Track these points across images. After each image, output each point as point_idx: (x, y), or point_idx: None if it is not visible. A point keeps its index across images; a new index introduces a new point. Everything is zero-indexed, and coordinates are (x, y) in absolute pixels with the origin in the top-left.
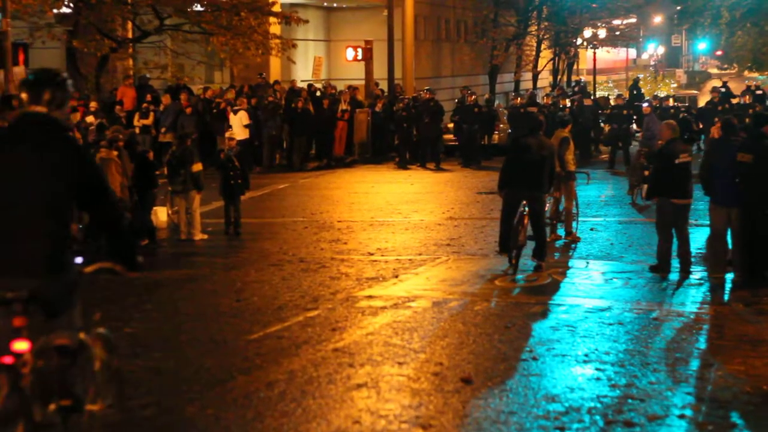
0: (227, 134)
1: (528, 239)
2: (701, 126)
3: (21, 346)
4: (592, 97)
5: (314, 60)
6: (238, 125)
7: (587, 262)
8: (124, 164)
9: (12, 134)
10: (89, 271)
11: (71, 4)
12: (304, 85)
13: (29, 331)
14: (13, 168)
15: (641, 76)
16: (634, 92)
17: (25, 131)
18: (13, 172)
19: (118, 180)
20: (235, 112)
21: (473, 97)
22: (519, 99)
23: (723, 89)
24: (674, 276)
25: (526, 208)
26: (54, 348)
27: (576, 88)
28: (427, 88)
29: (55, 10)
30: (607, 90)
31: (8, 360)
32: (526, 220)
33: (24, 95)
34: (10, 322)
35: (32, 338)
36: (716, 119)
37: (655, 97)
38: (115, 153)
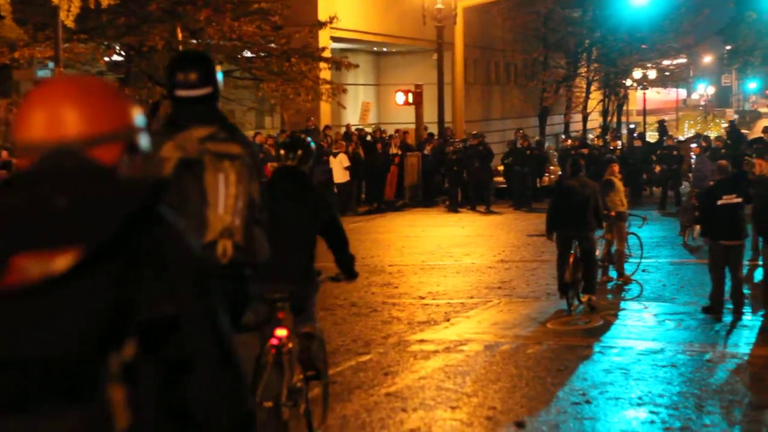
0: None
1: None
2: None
3: (281, 332)
4: (641, 138)
5: (362, 105)
6: (338, 168)
7: (640, 304)
8: None
9: (276, 186)
10: (322, 278)
11: (123, 53)
12: (354, 129)
13: (287, 321)
14: (284, 213)
15: (666, 118)
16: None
17: (284, 184)
18: (285, 216)
19: None
20: (335, 155)
21: (525, 139)
22: (569, 141)
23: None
24: (727, 318)
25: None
26: (301, 334)
27: (626, 131)
28: (474, 132)
29: (106, 59)
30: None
31: (274, 342)
32: (572, 259)
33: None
34: (275, 315)
35: (288, 327)
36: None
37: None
38: None
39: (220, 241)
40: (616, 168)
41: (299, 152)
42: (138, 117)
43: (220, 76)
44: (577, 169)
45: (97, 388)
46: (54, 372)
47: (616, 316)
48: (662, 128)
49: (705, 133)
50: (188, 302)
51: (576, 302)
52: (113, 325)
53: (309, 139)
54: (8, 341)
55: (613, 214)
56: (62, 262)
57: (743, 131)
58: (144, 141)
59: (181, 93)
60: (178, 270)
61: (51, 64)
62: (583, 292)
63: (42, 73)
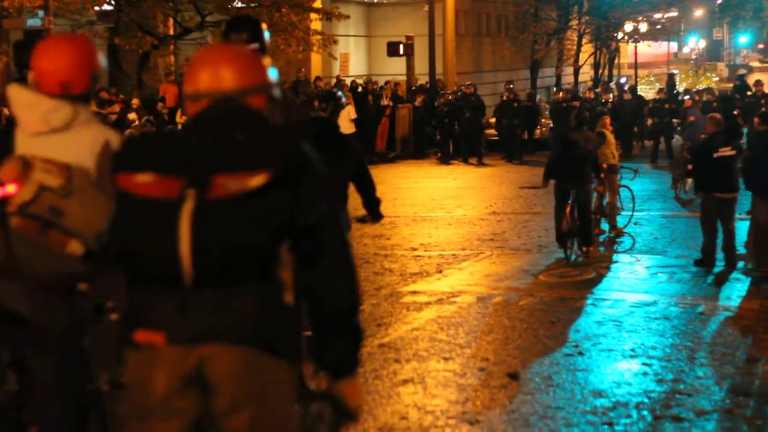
0: None
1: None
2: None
3: None
4: (631, 92)
5: (341, 56)
6: (346, 119)
7: (632, 257)
8: None
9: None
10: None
11: (113, 2)
12: (347, 81)
13: None
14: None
15: (676, 71)
16: (673, 91)
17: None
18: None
19: None
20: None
21: (511, 92)
22: (561, 93)
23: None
24: (720, 270)
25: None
26: None
27: (613, 84)
28: (468, 83)
29: (96, 8)
30: (649, 84)
31: None
32: (568, 209)
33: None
34: None
35: None
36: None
37: (696, 91)
38: None
39: None
40: (608, 120)
41: (332, 104)
42: (273, 74)
43: (267, 35)
44: (581, 122)
45: (274, 271)
46: (250, 257)
47: (608, 268)
48: (671, 82)
49: (698, 87)
50: (324, 211)
51: (576, 251)
52: (285, 226)
53: (340, 93)
54: (223, 234)
55: (604, 166)
56: (256, 180)
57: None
58: (277, 92)
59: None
60: (321, 190)
61: (41, 13)
62: (581, 244)
63: (31, 22)
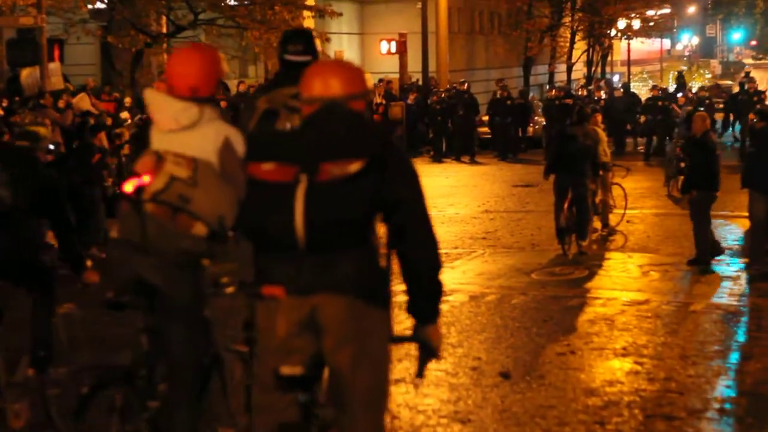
0: None
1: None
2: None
3: None
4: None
5: (335, 54)
6: None
7: (624, 255)
8: None
9: None
10: None
11: (105, 0)
12: None
13: None
14: None
15: (684, 68)
16: (685, 89)
17: None
18: None
19: None
20: None
21: (504, 90)
22: (554, 91)
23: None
24: (713, 268)
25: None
26: None
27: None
28: (461, 80)
29: (89, 6)
30: (642, 81)
31: None
32: (566, 205)
33: None
34: None
35: None
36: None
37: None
38: None
39: None
40: (599, 118)
41: None
42: (371, 84)
43: (318, 48)
44: (582, 118)
45: (369, 238)
46: (349, 228)
47: (600, 266)
48: (681, 80)
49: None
50: (407, 191)
51: (576, 246)
52: (375, 202)
53: None
54: (329, 210)
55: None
56: (354, 167)
57: (728, 82)
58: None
59: (289, 57)
60: (403, 174)
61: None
62: (578, 238)
63: (24, 20)
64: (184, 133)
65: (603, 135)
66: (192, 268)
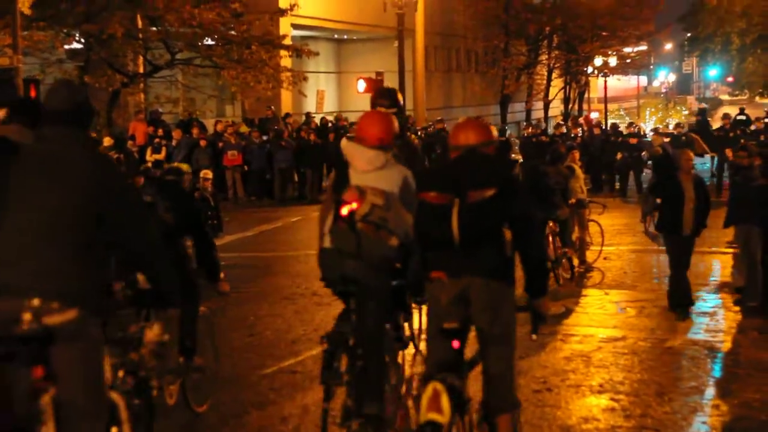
0: (201, 174)
1: None
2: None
3: None
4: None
5: (317, 93)
6: None
7: (601, 291)
8: None
9: None
10: None
11: (82, 40)
12: (317, 118)
13: None
14: None
15: (706, 106)
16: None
17: None
18: None
19: None
20: None
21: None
22: (530, 128)
23: (743, 116)
24: (689, 305)
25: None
26: None
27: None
28: (439, 118)
29: (66, 46)
30: (619, 118)
31: None
32: (550, 238)
33: None
34: None
35: None
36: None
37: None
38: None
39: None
40: (577, 155)
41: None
42: (495, 134)
43: (401, 101)
44: (556, 158)
45: (501, 239)
46: (487, 232)
47: (577, 303)
48: (704, 118)
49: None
50: (523, 208)
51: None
52: (503, 216)
53: None
54: (474, 221)
55: (572, 201)
56: (489, 192)
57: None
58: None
59: (379, 109)
60: (520, 196)
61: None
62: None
63: (0, 61)
64: (375, 172)
65: (580, 172)
66: (387, 269)
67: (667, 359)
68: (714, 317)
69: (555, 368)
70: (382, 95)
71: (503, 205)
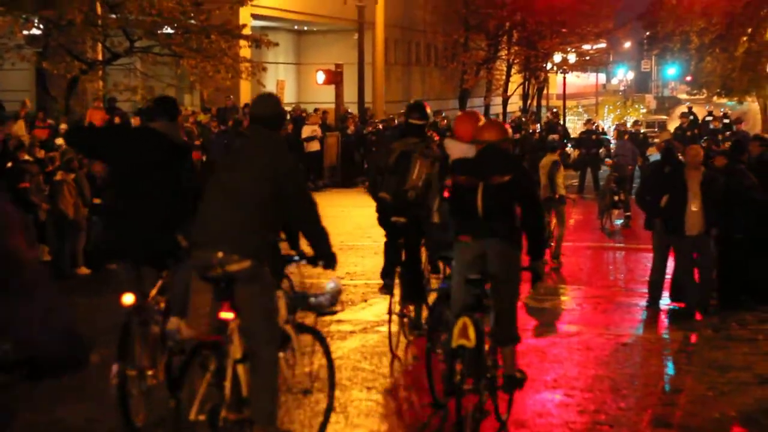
0: None
1: None
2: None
3: None
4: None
5: (277, 83)
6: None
7: (557, 287)
8: (81, 186)
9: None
10: None
11: (41, 26)
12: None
13: None
14: None
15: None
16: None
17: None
18: None
19: (71, 201)
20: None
21: (444, 121)
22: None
23: (690, 116)
24: (643, 303)
25: None
26: None
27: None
28: (399, 111)
29: (24, 32)
30: (577, 115)
31: None
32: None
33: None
34: None
35: None
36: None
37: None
38: (72, 176)
39: (410, 189)
40: (559, 151)
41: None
42: (510, 132)
43: (430, 113)
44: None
45: (513, 214)
46: (504, 208)
47: (533, 299)
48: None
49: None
50: (530, 191)
51: None
52: (515, 197)
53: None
54: (493, 200)
55: (557, 196)
56: (506, 178)
57: (662, 117)
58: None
59: (412, 121)
60: (529, 183)
61: None
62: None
63: None
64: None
65: (561, 167)
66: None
67: (622, 355)
68: (669, 314)
69: None
70: (413, 109)
71: (516, 188)
